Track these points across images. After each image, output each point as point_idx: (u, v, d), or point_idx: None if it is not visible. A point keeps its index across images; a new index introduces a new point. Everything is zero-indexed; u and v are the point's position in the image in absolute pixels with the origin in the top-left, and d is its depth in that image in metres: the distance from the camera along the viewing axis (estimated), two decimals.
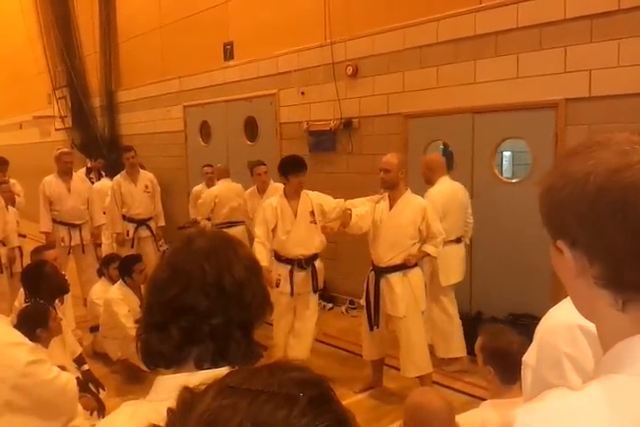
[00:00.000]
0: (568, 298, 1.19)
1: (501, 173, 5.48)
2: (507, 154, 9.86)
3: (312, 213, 4.35)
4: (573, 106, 4.39)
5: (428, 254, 4.06)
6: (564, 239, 0.73)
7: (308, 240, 4.37)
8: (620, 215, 0.66)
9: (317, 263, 4.46)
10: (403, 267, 3.97)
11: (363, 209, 4.09)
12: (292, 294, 4.36)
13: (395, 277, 3.98)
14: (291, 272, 4.34)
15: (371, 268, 4.14)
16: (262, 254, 4.16)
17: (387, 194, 4.06)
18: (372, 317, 4.09)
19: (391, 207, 4.02)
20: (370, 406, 4.02)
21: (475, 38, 4.96)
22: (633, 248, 0.66)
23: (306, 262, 4.37)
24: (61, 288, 3.87)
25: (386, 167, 3.98)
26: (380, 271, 4.03)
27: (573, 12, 4.30)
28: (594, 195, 0.68)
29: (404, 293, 3.95)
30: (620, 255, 0.67)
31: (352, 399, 4.03)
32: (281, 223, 4.33)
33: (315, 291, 4.46)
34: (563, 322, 1.18)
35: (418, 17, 5.34)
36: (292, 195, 4.38)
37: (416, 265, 4.06)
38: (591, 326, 1.09)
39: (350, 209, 4.05)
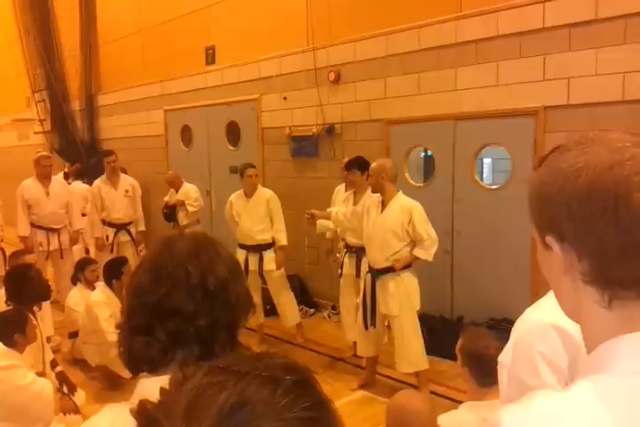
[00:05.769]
0: (543, 298, 1.22)
1: (482, 180, 5.53)
2: (487, 161, 9.98)
3: None
4: (552, 113, 4.45)
5: (418, 258, 4.03)
6: (552, 235, 0.72)
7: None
8: (610, 211, 0.66)
9: None
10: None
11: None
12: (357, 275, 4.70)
13: (389, 279, 4.06)
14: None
15: (367, 270, 4.23)
16: None
17: (380, 197, 4.12)
18: (367, 317, 4.19)
19: (383, 210, 4.08)
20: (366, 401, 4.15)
21: (456, 46, 5.01)
22: (622, 244, 0.66)
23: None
24: (44, 294, 3.83)
25: (368, 173, 4.15)
26: (376, 273, 4.12)
27: (552, 20, 4.38)
28: (585, 190, 0.67)
29: (397, 292, 4.04)
30: (609, 251, 0.67)
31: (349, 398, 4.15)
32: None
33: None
34: (537, 321, 1.20)
35: (400, 24, 5.38)
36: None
37: (410, 266, 4.08)
38: (565, 325, 1.11)
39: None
